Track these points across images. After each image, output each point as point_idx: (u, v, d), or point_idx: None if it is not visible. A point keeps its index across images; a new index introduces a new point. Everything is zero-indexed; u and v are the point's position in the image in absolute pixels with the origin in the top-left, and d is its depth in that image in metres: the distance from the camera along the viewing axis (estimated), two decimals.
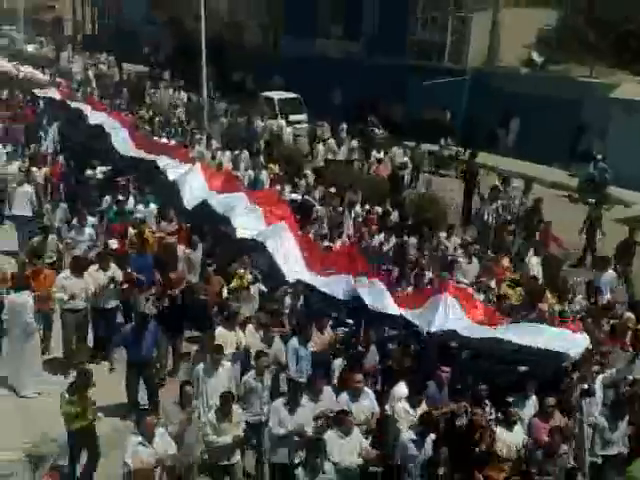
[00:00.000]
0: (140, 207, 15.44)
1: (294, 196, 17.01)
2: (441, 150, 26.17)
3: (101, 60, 45.48)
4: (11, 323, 10.85)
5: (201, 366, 9.34)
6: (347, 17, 35.34)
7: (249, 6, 41.42)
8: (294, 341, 10.15)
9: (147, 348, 9.95)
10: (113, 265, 11.90)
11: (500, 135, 27.49)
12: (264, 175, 19.38)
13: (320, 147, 24.02)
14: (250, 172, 19.91)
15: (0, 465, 8.81)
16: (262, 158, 21.22)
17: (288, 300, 11.43)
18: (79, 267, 11.63)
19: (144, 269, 12.33)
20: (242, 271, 11.98)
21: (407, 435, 8.29)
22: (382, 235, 14.53)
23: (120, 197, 15.42)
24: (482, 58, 30.34)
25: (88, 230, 14.09)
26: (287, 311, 11.22)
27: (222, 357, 9.40)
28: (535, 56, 29.54)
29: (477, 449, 8.18)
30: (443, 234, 14.90)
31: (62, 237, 14.57)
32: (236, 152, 21.72)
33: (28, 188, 16.08)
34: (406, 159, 22.85)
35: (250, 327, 10.53)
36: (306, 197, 17.00)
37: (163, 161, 15.94)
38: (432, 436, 8.18)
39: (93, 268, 11.79)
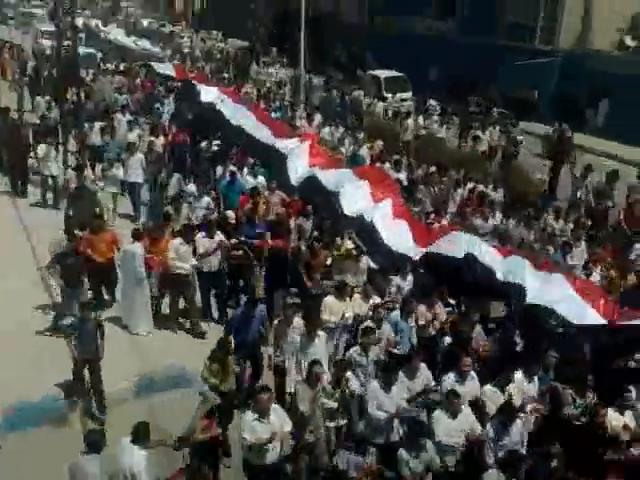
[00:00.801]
0: (249, 179, 14.94)
1: (398, 175, 16.02)
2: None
3: (211, 37, 45.01)
4: (123, 269, 11.39)
5: (297, 337, 8.99)
6: None
7: None
8: (395, 314, 9.72)
9: (253, 332, 9.53)
10: (218, 232, 11.64)
11: (588, 115, 25.94)
12: (364, 151, 18.24)
13: (410, 122, 22.36)
14: (349, 147, 18.91)
15: (116, 392, 9.39)
16: (362, 134, 20.16)
17: (397, 279, 10.82)
18: (190, 234, 11.52)
19: (255, 238, 11.99)
20: (348, 242, 11.49)
21: (493, 422, 7.72)
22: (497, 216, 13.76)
23: (232, 168, 15.02)
24: (574, 40, 28.57)
25: (206, 199, 13.74)
26: (394, 289, 10.66)
27: (319, 327, 9.16)
28: (628, 40, 27.62)
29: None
30: (550, 215, 13.95)
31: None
32: (332, 127, 20.72)
33: (140, 155, 15.98)
34: (521, 137, 21.53)
35: (357, 297, 10.14)
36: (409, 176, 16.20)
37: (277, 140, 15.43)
38: (518, 424, 7.63)
39: (200, 235, 11.58)
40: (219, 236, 11.55)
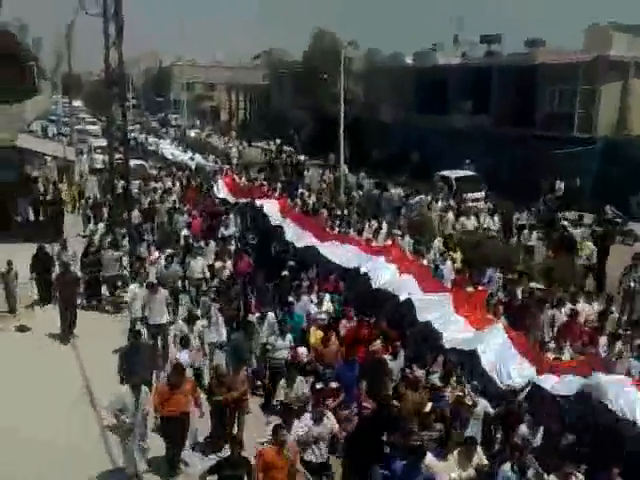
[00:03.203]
0: (313, 307, 13.36)
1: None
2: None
3: (269, 147, 46.19)
4: None
5: None
6: (476, 92, 35.16)
7: (385, 88, 42.00)
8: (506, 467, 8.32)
9: None
10: (329, 415, 9.36)
11: (632, 202, 25.66)
12: (448, 265, 16.22)
13: (450, 216, 21.96)
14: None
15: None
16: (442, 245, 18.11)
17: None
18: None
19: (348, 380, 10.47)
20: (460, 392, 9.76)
21: None
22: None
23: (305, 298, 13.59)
24: (611, 127, 28.95)
25: (289, 337, 12.12)
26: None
27: None
28: None
29: None
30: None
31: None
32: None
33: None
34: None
35: (457, 455, 8.43)
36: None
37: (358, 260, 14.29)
38: None
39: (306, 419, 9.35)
40: (330, 420, 9.24)
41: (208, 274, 16.78)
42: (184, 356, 11.35)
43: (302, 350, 11.69)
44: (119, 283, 17.26)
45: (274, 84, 57.59)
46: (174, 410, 9.60)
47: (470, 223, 21.29)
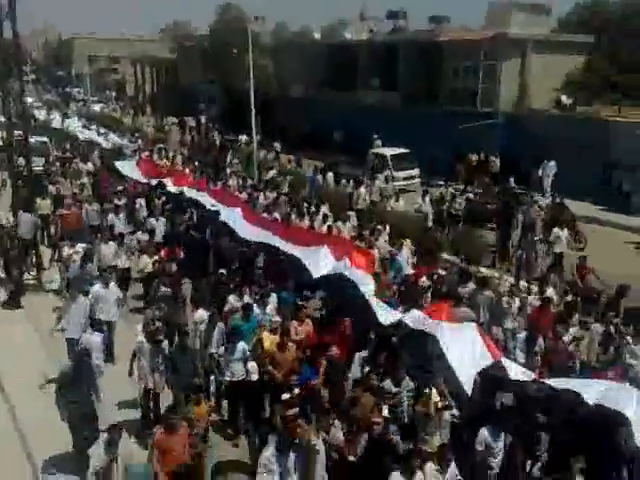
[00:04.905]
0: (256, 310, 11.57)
1: None
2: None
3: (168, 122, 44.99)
4: None
5: None
6: (383, 69, 35.75)
7: (294, 64, 42.03)
8: None
9: None
10: None
11: (534, 175, 26.66)
12: (404, 254, 15.23)
13: (362, 190, 21.84)
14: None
15: None
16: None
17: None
18: None
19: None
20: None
21: None
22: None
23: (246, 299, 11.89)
24: (512, 103, 30.15)
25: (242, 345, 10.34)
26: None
27: None
28: (564, 99, 29.29)
29: None
30: None
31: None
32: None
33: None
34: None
35: (431, 466, 7.98)
36: None
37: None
38: None
39: None
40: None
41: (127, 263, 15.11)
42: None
43: (253, 365, 10.16)
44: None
45: (181, 58, 56.42)
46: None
47: (399, 205, 20.57)
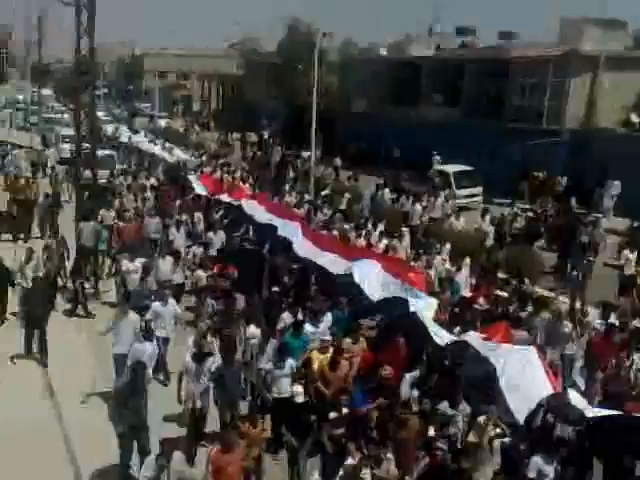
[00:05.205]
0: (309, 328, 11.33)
1: None
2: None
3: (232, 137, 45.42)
4: None
5: None
6: (448, 85, 35.38)
7: (358, 79, 42.06)
8: None
9: None
10: None
11: (596, 196, 25.81)
12: (463, 274, 14.90)
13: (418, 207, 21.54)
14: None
15: None
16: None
17: None
18: None
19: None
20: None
21: None
22: None
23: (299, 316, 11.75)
24: (579, 120, 29.34)
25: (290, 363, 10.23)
26: None
27: None
28: (633, 117, 28.35)
29: None
30: None
31: None
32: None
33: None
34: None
35: None
36: None
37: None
38: None
39: None
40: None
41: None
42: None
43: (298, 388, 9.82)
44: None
45: (248, 74, 57.32)
46: None
47: (459, 223, 20.11)
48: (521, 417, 8.24)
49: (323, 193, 26.03)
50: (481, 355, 9.10)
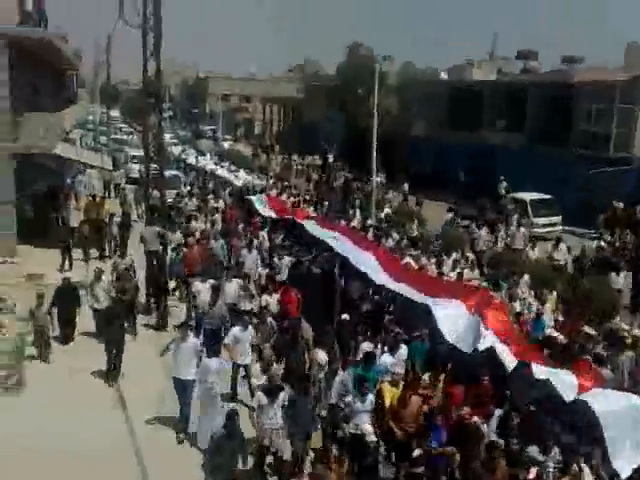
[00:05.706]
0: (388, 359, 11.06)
1: None
2: None
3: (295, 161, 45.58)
4: None
5: None
6: (510, 109, 35.03)
7: (418, 103, 42.06)
8: None
9: None
10: None
11: None
12: (547, 309, 14.34)
13: (483, 233, 21.27)
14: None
15: None
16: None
17: None
18: None
19: None
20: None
21: None
22: None
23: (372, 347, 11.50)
24: None
25: (370, 398, 9.82)
26: None
27: None
28: None
29: None
30: None
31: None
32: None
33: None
34: None
35: None
36: None
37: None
38: None
39: None
40: None
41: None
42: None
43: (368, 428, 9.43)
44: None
45: (308, 97, 58.04)
46: None
47: (534, 253, 19.61)
48: (625, 473, 7.72)
49: (384, 213, 25.92)
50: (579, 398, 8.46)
